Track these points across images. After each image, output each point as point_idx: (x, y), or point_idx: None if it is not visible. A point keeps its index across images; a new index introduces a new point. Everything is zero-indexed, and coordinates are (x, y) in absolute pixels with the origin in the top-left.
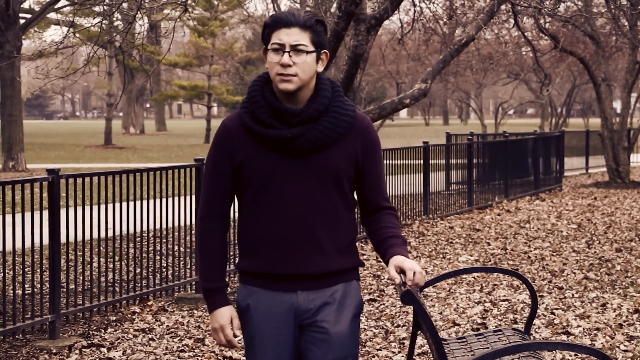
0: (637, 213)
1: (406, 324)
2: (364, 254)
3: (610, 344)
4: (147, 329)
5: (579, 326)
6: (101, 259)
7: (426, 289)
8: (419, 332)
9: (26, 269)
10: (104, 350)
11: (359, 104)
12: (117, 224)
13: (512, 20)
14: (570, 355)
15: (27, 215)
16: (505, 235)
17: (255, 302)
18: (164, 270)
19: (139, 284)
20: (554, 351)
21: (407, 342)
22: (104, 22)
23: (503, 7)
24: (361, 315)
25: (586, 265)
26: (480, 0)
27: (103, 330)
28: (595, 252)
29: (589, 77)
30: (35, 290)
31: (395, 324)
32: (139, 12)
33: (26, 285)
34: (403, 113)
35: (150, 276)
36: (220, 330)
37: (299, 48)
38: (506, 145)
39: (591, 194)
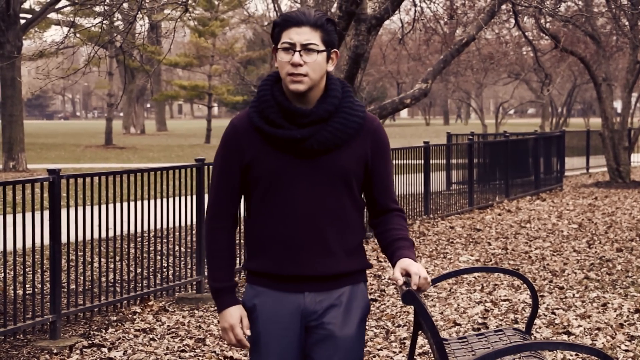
0: (637, 213)
1: (407, 323)
2: None
3: (611, 344)
4: (147, 329)
5: (579, 326)
6: (102, 259)
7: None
8: (420, 332)
9: (27, 269)
10: (105, 350)
11: None
12: (117, 224)
13: (512, 20)
14: (571, 355)
15: (28, 215)
16: (506, 235)
17: (262, 303)
18: (164, 270)
19: (140, 284)
20: (555, 351)
21: (408, 342)
22: (104, 22)
23: (504, 7)
24: None
25: (587, 265)
26: (480, 0)
27: (104, 330)
28: (596, 251)
29: (589, 76)
30: (36, 290)
31: (396, 324)
32: (139, 12)
33: (27, 286)
34: (404, 113)
35: (151, 276)
36: (230, 329)
37: (309, 47)
38: (507, 145)
39: (592, 194)
